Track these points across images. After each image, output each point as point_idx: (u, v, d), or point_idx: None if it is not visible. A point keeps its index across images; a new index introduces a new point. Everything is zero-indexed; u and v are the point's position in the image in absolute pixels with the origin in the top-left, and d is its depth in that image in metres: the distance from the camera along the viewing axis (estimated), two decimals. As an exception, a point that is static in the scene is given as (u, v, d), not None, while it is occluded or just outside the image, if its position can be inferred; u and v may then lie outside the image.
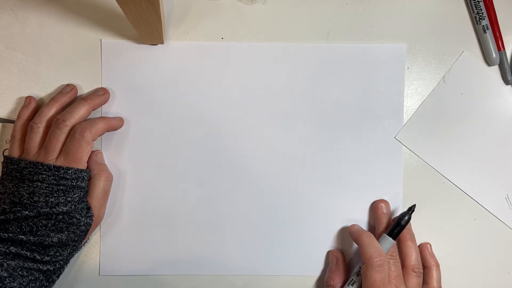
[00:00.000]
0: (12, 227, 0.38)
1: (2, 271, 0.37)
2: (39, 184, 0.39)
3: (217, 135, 0.46)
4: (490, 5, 0.46)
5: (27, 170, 0.39)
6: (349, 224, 0.46)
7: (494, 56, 0.46)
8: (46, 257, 0.39)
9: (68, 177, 0.39)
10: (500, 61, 0.46)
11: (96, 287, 0.45)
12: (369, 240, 0.41)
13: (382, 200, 0.45)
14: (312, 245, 0.46)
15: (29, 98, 0.44)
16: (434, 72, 0.47)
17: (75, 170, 0.40)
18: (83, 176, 0.40)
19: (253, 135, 0.46)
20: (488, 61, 0.46)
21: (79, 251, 0.45)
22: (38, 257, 0.38)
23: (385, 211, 0.45)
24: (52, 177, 0.39)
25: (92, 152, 0.43)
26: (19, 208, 0.38)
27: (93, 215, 0.41)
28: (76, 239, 0.40)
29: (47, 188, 0.39)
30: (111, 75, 0.45)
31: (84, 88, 0.45)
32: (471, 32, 0.47)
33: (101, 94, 0.44)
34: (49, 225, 0.39)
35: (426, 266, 0.44)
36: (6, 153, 0.45)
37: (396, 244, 0.42)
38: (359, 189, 0.46)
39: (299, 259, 0.46)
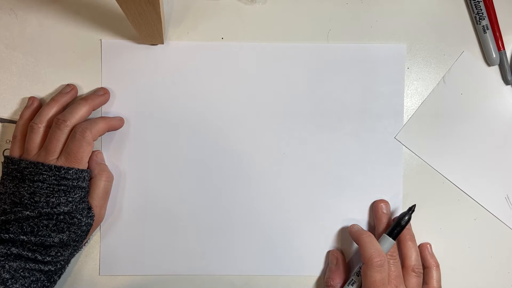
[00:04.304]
0: (13, 228, 0.38)
1: (4, 272, 0.37)
2: (40, 184, 0.39)
3: (217, 135, 0.46)
4: (490, 5, 0.46)
5: (28, 170, 0.39)
6: (349, 224, 0.46)
7: (494, 56, 0.46)
8: (47, 258, 0.39)
9: (69, 177, 0.39)
10: (500, 61, 0.46)
11: (96, 287, 0.45)
12: (369, 240, 0.41)
13: (382, 200, 0.45)
14: (312, 245, 0.46)
15: (32, 99, 0.44)
16: (434, 72, 0.47)
17: (76, 170, 0.40)
18: (84, 176, 0.40)
19: (253, 135, 0.46)
20: (488, 61, 0.46)
21: (79, 251, 0.45)
22: (39, 257, 0.38)
23: (385, 211, 0.45)
24: (53, 177, 0.39)
25: (93, 152, 0.43)
26: (20, 209, 0.38)
27: (94, 215, 0.41)
28: (77, 239, 0.40)
29: (48, 188, 0.39)
30: (111, 75, 0.45)
31: (84, 88, 0.45)
32: (471, 32, 0.47)
33: (101, 94, 0.44)
34: (50, 225, 0.39)
35: (426, 266, 0.44)
36: (6, 153, 0.45)
37: (396, 244, 0.42)
38: (359, 189, 0.46)
39: (299, 259, 0.46)
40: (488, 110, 0.47)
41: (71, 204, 0.39)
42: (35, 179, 0.39)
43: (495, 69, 0.47)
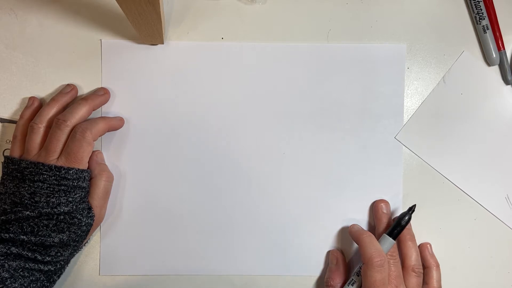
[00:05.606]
0: (13, 228, 0.38)
1: (3, 272, 0.37)
2: (40, 184, 0.39)
3: (217, 135, 0.46)
4: (490, 5, 0.46)
5: (28, 170, 0.39)
6: (349, 224, 0.46)
7: (494, 56, 0.46)
8: (47, 258, 0.39)
9: (69, 177, 0.39)
10: (500, 61, 0.46)
11: (96, 287, 0.45)
12: (369, 240, 0.41)
13: (382, 200, 0.45)
14: (312, 245, 0.46)
15: (32, 99, 0.44)
16: (434, 72, 0.47)
17: (76, 171, 0.40)
18: (84, 176, 0.40)
19: (253, 135, 0.46)
20: (488, 61, 0.46)
21: (79, 251, 0.45)
22: (39, 257, 0.38)
23: (385, 211, 0.45)
24: (53, 177, 0.39)
25: (93, 152, 0.43)
26: (20, 208, 0.38)
27: (94, 215, 0.41)
28: (77, 239, 0.40)
29: (48, 188, 0.39)
30: (111, 75, 0.45)
31: (84, 88, 0.45)
32: (471, 32, 0.47)
33: (101, 94, 0.44)
34: (50, 225, 0.39)
35: (426, 266, 0.44)
36: (6, 153, 0.45)
37: (396, 244, 0.42)
38: (359, 189, 0.46)
39: (299, 259, 0.46)
40: (488, 110, 0.47)
41: (71, 204, 0.39)
42: (35, 179, 0.39)
43: (495, 69, 0.47)
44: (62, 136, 0.40)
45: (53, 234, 0.39)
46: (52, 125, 0.41)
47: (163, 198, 0.45)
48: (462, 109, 0.47)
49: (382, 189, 0.46)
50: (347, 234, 0.46)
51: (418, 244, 0.45)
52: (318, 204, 0.46)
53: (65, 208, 0.39)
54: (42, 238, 0.38)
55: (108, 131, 0.43)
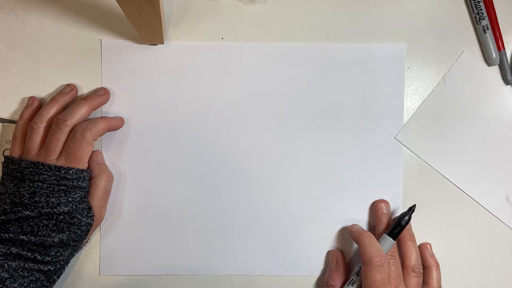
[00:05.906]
0: (13, 227, 0.38)
1: (3, 272, 0.37)
2: (40, 184, 0.39)
3: (217, 135, 0.46)
4: (490, 5, 0.46)
5: (28, 170, 0.39)
6: (349, 224, 0.46)
7: (494, 56, 0.46)
8: (47, 258, 0.39)
9: (69, 177, 0.39)
10: (500, 61, 0.46)
11: (96, 287, 0.45)
12: (369, 240, 0.41)
13: (382, 200, 0.45)
14: (312, 245, 0.46)
15: (32, 99, 0.44)
16: (434, 72, 0.47)
17: (76, 170, 0.40)
18: (84, 176, 0.40)
19: (253, 135, 0.46)
20: (488, 61, 0.46)
21: (79, 251, 0.45)
22: (39, 257, 0.38)
23: (385, 211, 0.45)
24: (53, 177, 0.39)
25: (93, 152, 0.43)
26: (20, 208, 0.38)
27: (94, 215, 0.41)
28: (77, 239, 0.40)
29: (48, 188, 0.39)
30: (111, 75, 0.45)
31: (84, 88, 0.45)
32: (471, 32, 0.47)
33: (101, 94, 0.44)
34: (50, 225, 0.39)
35: (426, 266, 0.44)
36: (6, 153, 0.45)
37: (396, 244, 0.42)
38: (359, 189, 0.46)
39: (299, 259, 0.46)
40: (488, 110, 0.47)
41: (71, 204, 0.39)
42: (35, 179, 0.39)
43: (495, 69, 0.47)
44: (62, 136, 0.40)
45: (52, 234, 0.39)
46: (52, 125, 0.41)
47: (163, 198, 0.45)
48: (462, 109, 0.47)
49: (382, 189, 0.46)
50: (347, 234, 0.46)
51: (418, 244, 0.45)
52: (318, 204, 0.46)
53: (65, 208, 0.39)
54: (42, 238, 0.38)
55: (108, 131, 0.43)
